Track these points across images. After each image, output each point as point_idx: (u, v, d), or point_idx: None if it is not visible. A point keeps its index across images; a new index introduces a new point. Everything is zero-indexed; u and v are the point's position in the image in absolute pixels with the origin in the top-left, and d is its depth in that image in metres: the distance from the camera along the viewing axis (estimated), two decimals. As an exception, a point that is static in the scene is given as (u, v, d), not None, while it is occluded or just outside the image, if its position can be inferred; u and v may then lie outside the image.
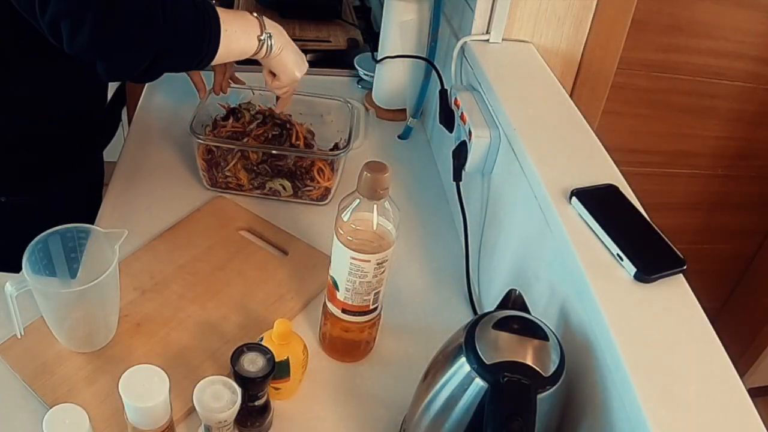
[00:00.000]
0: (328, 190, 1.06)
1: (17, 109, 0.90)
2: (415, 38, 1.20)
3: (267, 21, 0.88)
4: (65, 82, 0.91)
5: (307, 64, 0.97)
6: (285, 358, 0.71)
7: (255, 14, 0.87)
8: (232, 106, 1.10)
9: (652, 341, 0.58)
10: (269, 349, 0.69)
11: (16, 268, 0.72)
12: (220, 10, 0.81)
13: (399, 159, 1.19)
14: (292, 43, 0.93)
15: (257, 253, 0.95)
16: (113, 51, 0.73)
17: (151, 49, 0.74)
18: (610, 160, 0.80)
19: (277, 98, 1.02)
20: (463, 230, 0.95)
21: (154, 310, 0.84)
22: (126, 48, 0.73)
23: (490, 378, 0.56)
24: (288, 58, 0.92)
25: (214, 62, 0.82)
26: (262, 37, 0.86)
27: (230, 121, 1.07)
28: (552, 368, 0.56)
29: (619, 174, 0.77)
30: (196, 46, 0.79)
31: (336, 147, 1.09)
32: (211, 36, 0.79)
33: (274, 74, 0.95)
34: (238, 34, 0.83)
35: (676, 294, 0.63)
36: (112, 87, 1.07)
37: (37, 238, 0.74)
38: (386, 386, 0.80)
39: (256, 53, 0.87)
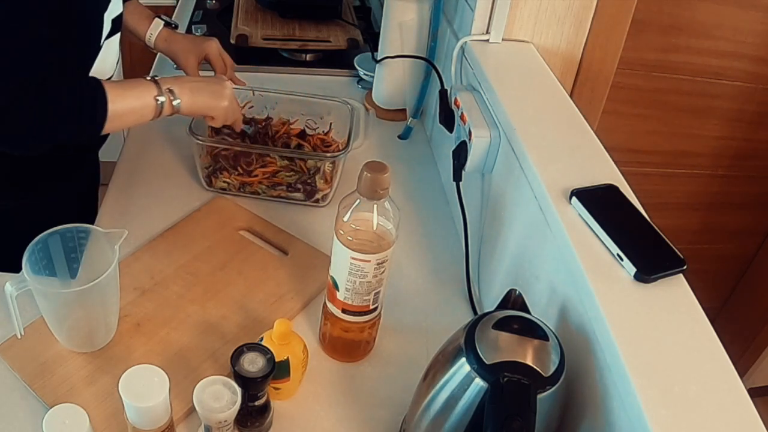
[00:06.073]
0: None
1: None
2: (415, 38, 1.20)
3: (167, 78, 0.89)
4: None
5: (225, 81, 0.95)
6: (285, 358, 0.71)
7: (150, 77, 0.88)
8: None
9: (652, 341, 0.58)
10: (269, 349, 0.69)
11: (16, 268, 0.72)
12: (113, 85, 0.83)
13: (399, 159, 1.19)
14: (199, 80, 0.94)
15: (257, 253, 0.95)
16: None
17: (22, 143, 0.79)
18: (610, 160, 0.80)
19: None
20: (463, 230, 0.95)
21: (154, 310, 0.84)
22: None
23: (490, 378, 0.56)
24: (201, 99, 0.92)
25: (107, 131, 0.84)
26: (159, 97, 0.87)
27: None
28: (552, 368, 0.56)
29: (619, 174, 0.77)
30: (74, 126, 0.81)
31: (336, 147, 1.09)
32: (96, 113, 0.81)
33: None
34: (131, 101, 0.85)
35: (676, 294, 0.63)
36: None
37: (37, 238, 0.74)
38: (386, 386, 0.80)
39: (159, 112, 0.88)
